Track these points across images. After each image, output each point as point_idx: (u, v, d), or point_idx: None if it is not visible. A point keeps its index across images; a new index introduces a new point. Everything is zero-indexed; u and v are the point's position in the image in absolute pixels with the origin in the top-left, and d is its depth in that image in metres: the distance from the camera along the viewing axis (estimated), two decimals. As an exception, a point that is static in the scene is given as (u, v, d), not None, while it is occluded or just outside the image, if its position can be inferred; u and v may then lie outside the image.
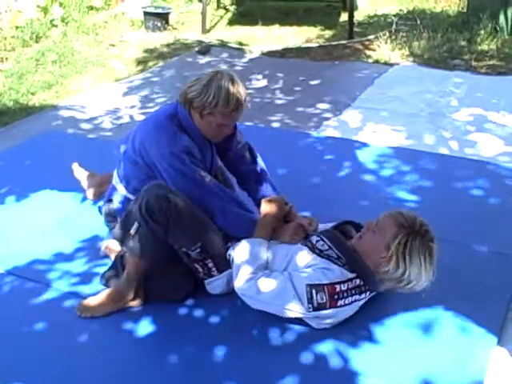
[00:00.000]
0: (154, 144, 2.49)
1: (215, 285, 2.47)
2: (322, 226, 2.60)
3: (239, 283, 2.29)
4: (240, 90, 2.49)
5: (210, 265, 2.42)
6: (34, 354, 2.25)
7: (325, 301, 2.21)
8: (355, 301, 2.28)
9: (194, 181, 2.46)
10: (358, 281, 2.27)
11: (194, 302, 2.48)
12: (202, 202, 2.45)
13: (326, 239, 2.35)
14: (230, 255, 2.43)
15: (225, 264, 2.43)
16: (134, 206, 2.38)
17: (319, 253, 2.32)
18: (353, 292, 2.26)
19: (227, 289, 2.44)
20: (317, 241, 2.36)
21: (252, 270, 2.29)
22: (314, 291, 2.20)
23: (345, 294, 2.25)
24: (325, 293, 2.21)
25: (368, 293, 2.32)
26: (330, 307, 2.23)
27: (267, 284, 2.25)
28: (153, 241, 2.35)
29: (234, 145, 2.78)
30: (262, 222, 2.50)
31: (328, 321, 2.28)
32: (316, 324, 2.29)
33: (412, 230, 2.24)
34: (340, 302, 2.24)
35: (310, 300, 2.21)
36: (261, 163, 2.85)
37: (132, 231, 2.37)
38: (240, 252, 2.36)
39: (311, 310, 2.22)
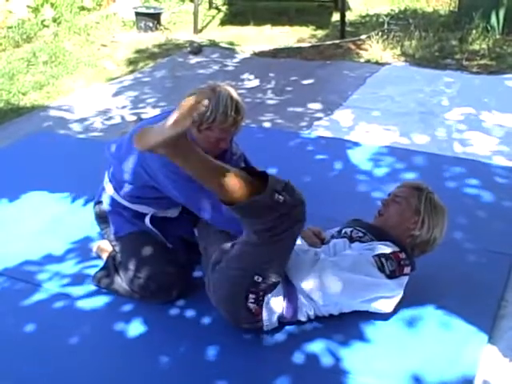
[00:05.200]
0: (156, 155, 2.45)
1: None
2: (327, 233, 2.61)
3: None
4: (238, 105, 2.44)
5: (265, 295, 2.23)
6: (24, 355, 2.24)
7: (395, 268, 2.29)
8: (408, 274, 2.35)
9: None
10: (403, 253, 2.35)
11: (185, 303, 2.48)
12: (213, 205, 2.39)
13: (357, 227, 2.46)
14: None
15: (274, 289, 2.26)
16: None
17: (359, 239, 2.40)
18: (407, 262, 2.34)
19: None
20: (350, 231, 2.45)
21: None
22: (383, 259, 2.28)
23: (406, 262, 2.34)
24: (393, 260, 2.29)
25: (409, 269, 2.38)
26: (399, 274, 2.30)
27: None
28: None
29: (227, 156, 2.75)
30: None
31: (391, 301, 2.31)
32: (379, 308, 2.31)
33: (426, 189, 2.44)
34: (406, 270, 2.33)
35: (382, 268, 2.27)
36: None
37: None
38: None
39: (386, 278, 2.27)
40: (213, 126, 2.43)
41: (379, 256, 2.29)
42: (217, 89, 2.43)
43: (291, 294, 2.27)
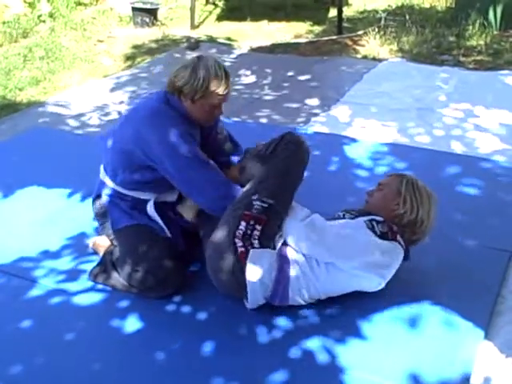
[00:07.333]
0: (154, 131, 2.48)
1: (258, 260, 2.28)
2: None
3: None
4: (225, 68, 2.55)
5: (256, 232, 2.31)
6: (20, 351, 2.23)
7: (386, 231, 2.35)
8: (401, 244, 2.38)
9: (201, 160, 2.49)
10: (395, 226, 2.41)
11: (182, 299, 2.48)
12: (212, 181, 2.47)
13: (349, 212, 2.52)
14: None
15: (268, 241, 2.33)
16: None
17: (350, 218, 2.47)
18: (398, 232, 2.40)
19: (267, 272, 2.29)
20: (343, 215, 2.50)
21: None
22: (374, 222, 2.35)
23: (398, 231, 2.39)
24: (384, 225, 2.36)
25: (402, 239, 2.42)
26: (391, 238, 2.35)
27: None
28: None
29: (213, 134, 2.82)
30: None
31: (385, 273, 2.35)
32: (374, 278, 2.34)
33: (408, 175, 2.54)
34: (398, 237, 2.38)
35: (372, 229, 2.33)
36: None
37: None
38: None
39: (377, 238, 2.31)
40: (207, 93, 2.49)
41: (370, 220, 2.37)
42: (202, 58, 2.53)
43: (283, 266, 2.29)
